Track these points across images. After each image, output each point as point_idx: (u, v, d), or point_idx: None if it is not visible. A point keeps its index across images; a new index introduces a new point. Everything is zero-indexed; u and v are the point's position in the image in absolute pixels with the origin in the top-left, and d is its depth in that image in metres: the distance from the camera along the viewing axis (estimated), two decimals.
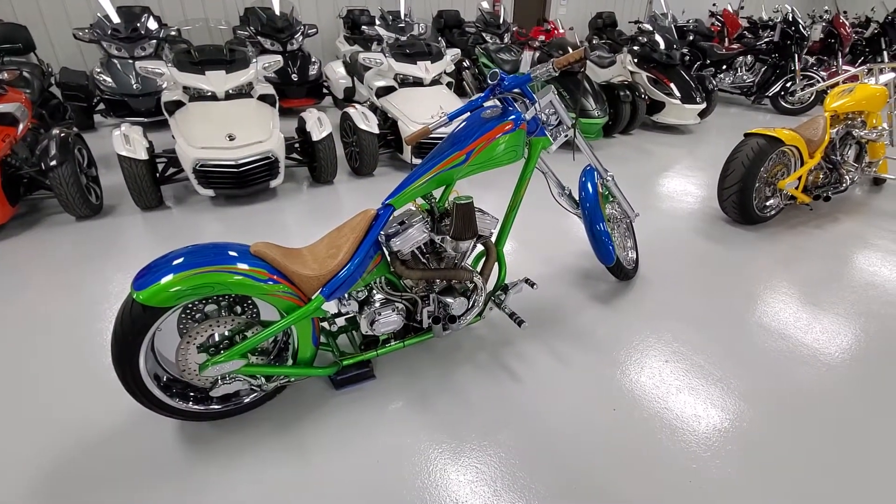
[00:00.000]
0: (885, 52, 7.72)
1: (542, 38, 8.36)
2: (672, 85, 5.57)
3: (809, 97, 6.69)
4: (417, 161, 4.12)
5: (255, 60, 3.68)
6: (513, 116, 1.85)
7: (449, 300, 1.93)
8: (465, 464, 1.62)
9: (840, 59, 7.25)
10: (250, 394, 1.75)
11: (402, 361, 2.08)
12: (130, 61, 5.24)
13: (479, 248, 2.35)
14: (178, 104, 3.57)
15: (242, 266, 1.54)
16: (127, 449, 1.66)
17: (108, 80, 5.04)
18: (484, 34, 7.74)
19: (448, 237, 1.83)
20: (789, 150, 3.22)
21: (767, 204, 3.34)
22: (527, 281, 2.12)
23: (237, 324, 1.66)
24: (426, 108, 4.02)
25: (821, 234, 3.35)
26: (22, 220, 3.36)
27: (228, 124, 3.36)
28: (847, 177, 3.58)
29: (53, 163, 3.01)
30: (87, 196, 3.22)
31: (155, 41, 5.41)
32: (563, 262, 2.89)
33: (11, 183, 3.13)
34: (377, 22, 6.83)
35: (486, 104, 1.97)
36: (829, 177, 3.55)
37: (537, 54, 5.23)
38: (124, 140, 3.19)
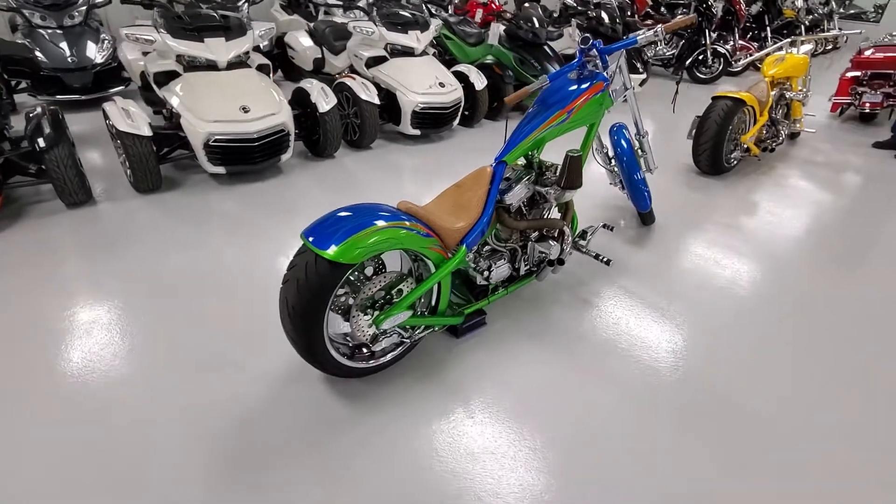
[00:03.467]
0: (768, 28, 9.05)
1: (479, 11, 8.53)
2: None
3: (718, 68, 7.70)
4: (416, 132, 4.18)
5: (251, 28, 3.47)
6: (599, 79, 2.08)
7: (546, 247, 2.15)
8: (590, 383, 1.89)
9: (736, 34, 8.37)
10: (400, 346, 1.85)
11: (498, 310, 2.27)
12: (60, 31, 4.57)
13: None
14: (170, 75, 3.27)
15: (408, 222, 1.63)
16: (289, 415, 1.69)
17: (38, 53, 4.37)
18: (429, 6, 7.75)
19: (555, 188, 2.04)
20: (748, 109, 3.83)
21: (731, 157, 3.95)
22: (604, 225, 2.40)
23: (391, 280, 1.74)
24: (423, 78, 4.08)
25: (765, 179, 4.04)
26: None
27: (238, 96, 3.19)
28: (782, 131, 4.32)
29: (46, 144, 2.68)
30: (85, 180, 2.91)
31: (84, 7, 4.75)
32: (588, 215, 3.22)
33: None
34: None
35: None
36: (769, 132, 4.26)
37: (502, 27, 5.44)
38: (124, 114, 2.90)
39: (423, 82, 4.05)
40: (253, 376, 1.83)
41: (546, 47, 5.22)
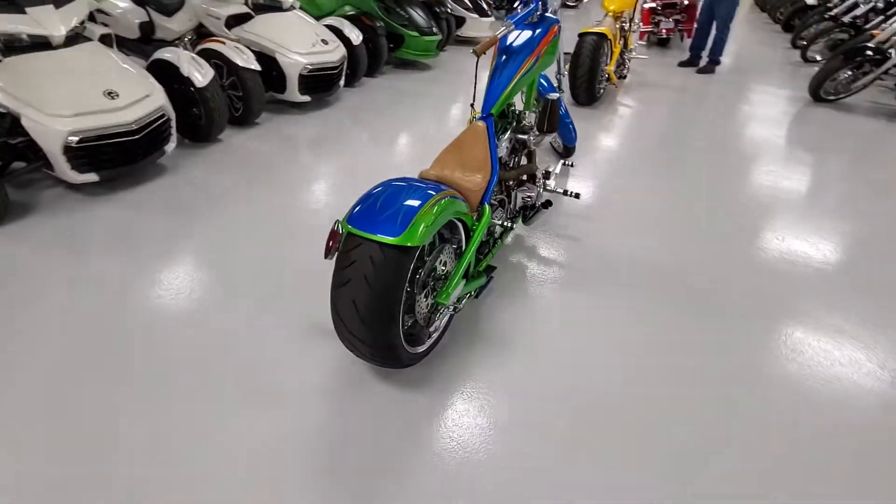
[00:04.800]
0: None
1: None
2: (467, 0, 6.23)
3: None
4: (305, 98, 3.78)
5: None
6: (553, 22, 2.14)
7: (528, 192, 2.24)
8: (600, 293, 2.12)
9: None
10: (446, 319, 1.79)
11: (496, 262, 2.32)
12: None
13: None
14: None
15: (447, 190, 1.56)
16: (371, 426, 1.56)
17: None
18: None
19: (534, 133, 2.11)
20: (607, 42, 4.31)
21: (600, 87, 4.45)
22: (564, 163, 2.56)
23: (436, 253, 1.66)
24: (303, 36, 3.65)
25: (624, 101, 4.70)
26: None
27: (95, 78, 2.47)
28: (626, 60, 4.99)
29: None
30: None
31: None
32: None
33: None
34: None
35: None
36: (619, 61, 4.88)
37: None
38: None
39: (304, 41, 3.63)
40: (297, 400, 1.61)
41: None
